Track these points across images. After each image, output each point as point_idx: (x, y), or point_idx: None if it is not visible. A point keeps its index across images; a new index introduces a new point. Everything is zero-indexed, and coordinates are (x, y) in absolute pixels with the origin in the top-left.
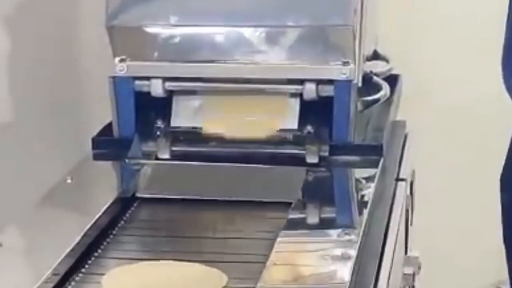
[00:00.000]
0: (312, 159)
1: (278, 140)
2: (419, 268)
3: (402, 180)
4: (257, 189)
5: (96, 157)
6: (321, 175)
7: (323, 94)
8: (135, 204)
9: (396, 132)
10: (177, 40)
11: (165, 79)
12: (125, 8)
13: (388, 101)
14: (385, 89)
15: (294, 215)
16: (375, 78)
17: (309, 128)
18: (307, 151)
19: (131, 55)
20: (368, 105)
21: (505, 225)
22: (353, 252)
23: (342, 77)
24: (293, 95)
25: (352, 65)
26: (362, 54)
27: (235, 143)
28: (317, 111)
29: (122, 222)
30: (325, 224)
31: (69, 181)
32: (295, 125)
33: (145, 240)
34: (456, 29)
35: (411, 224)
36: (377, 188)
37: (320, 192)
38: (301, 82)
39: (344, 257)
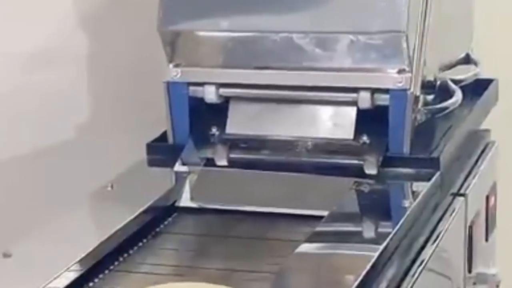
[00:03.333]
0: (371, 170)
1: (332, 150)
2: (497, 286)
3: (461, 195)
4: (302, 200)
5: (150, 163)
6: (371, 187)
7: (379, 103)
8: (174, 214)
9: (474, 142)
10: (230, 45)
11: (220, 85)
12: (178, 12)
13: (469, 108)
14: (457, 96)
15: (322, 227)
16: (451, 84)
17: (365, 138)
18: (365, 162)
19: (185, 60)
20: (434, 113)
21: None
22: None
23: (398, 85)
24: (349, 103)
25: (408, 74)
26: (423, 61)
27: (292, 151)
28: (374, 121)
29: (155, 232)
30: (354, 238)
31: (109, 188)
32: (351, 135)
33: (174, 254)
34: None
35: (486, 240)
36: (425, 202)
37: (365, 204)
38: (357, 90)
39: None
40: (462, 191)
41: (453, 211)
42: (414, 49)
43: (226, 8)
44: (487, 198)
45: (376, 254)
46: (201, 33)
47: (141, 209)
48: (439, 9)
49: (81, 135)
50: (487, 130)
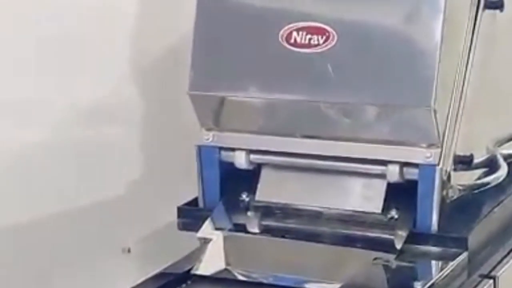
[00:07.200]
0: (399, 244)
1: (359, 222)
2: None
3: (490, 277)
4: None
5: (180, 227)
6: (390, 264)
7: (408, 177)
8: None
9: None
10: (261, 112)
11: (250, 151)
12: (209, 76)
13: None
14: (502, 171)
15: None
16: (498, 158)
17: (393, 212)
18: (395, 236)
19: (217, 124)
20: (475, 189)
21: None
22: None
23: (427, 161)
24: (379, 176)
25: (438, 149)
26: (456, 135)
27: (319, 222)
28: (404, 194)
29: None
30: None
31: (126, 252)
32: (379, 209)
33: None
34: None
35: None
36: (447, 283)
37: (378, 281)
38: (386, 163)
39: None
40: (493, 273)
41: None
42: (446, 123)
43: (257, 74)
44: None
45: None
46: (232, 98)
47: (149, 275)
48: (484, 79)
49: (128, 191)
50: None
